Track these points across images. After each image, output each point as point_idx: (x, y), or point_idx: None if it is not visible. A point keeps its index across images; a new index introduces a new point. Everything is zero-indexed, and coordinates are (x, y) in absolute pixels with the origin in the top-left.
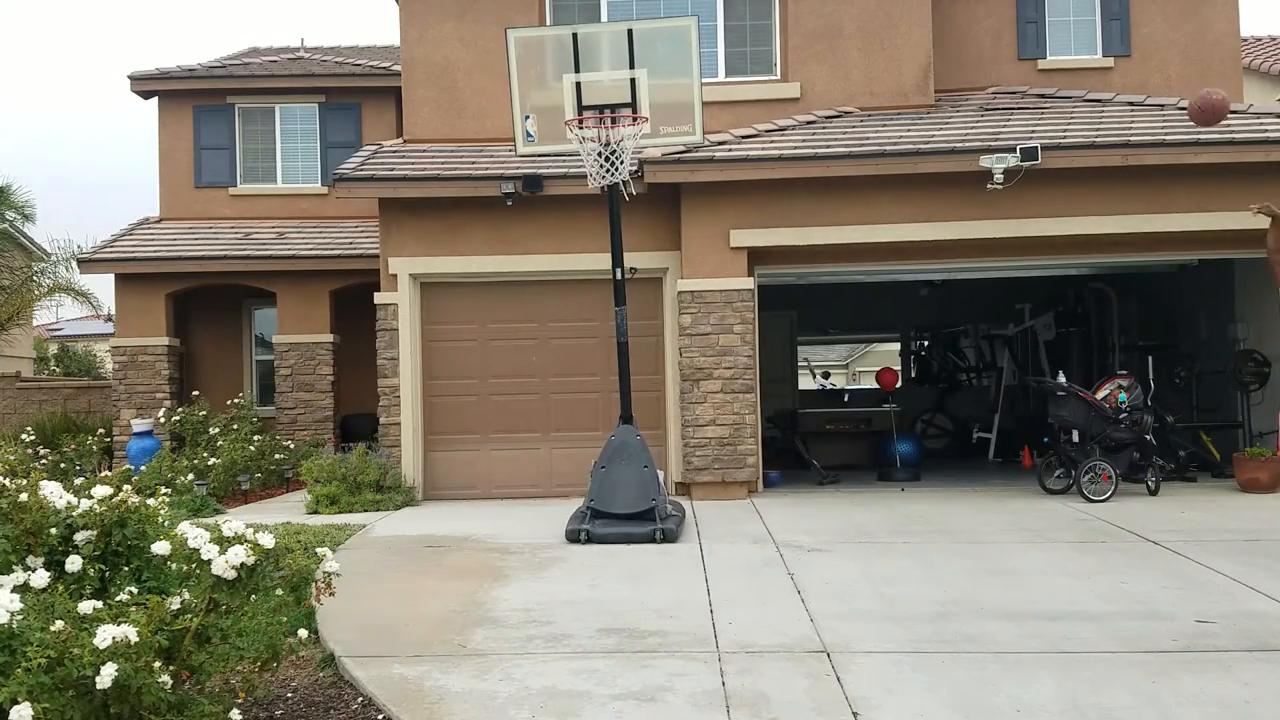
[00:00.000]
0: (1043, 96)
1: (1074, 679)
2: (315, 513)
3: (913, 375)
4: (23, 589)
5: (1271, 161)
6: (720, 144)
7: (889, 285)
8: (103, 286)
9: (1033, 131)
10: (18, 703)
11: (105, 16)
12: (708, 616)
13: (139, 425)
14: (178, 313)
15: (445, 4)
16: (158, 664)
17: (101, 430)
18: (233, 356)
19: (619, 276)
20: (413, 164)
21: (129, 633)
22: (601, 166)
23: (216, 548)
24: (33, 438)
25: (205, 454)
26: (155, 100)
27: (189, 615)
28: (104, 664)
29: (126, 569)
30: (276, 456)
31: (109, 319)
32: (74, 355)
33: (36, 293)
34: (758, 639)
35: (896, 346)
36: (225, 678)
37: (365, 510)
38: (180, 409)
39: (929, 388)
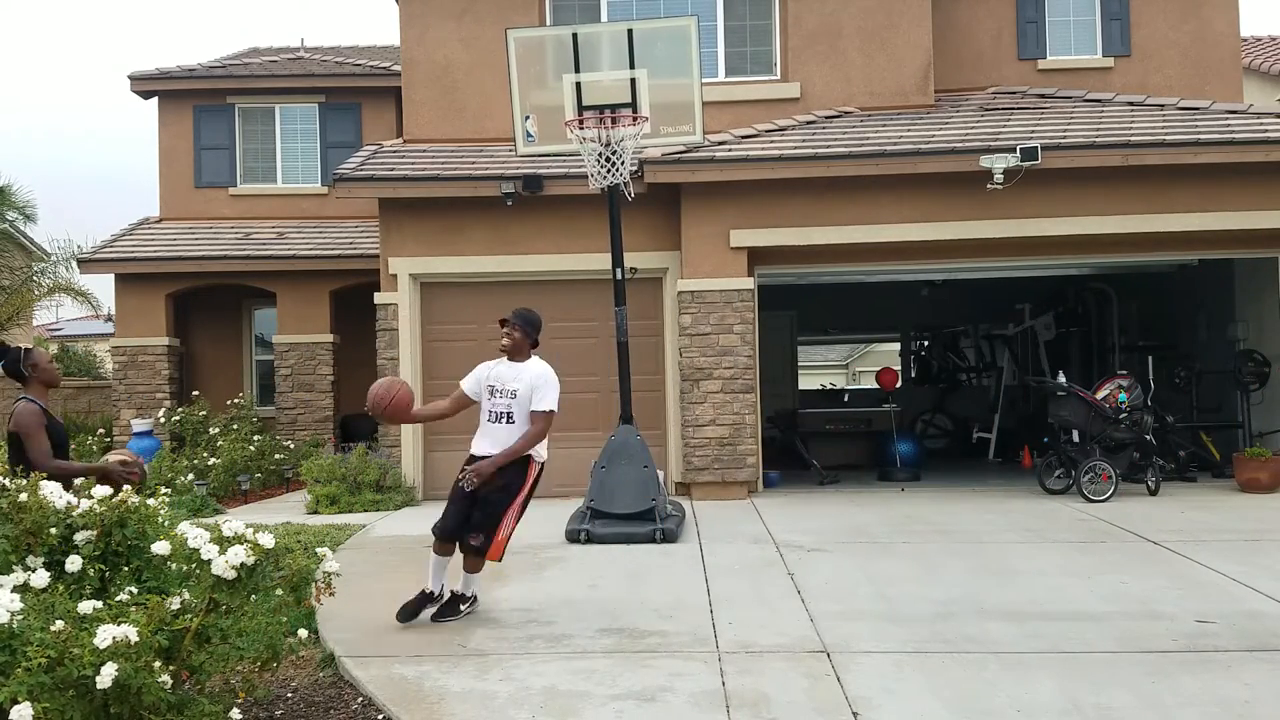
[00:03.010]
0: (1043, 96)
1: (1074, 679)
2: (315, 513)
3: (913, 375)
4: (23, 589)
5: (1271, 161)
6: (720, 144)
7: (889, 285)
8: (103, 286)
9: (1033, 131)
10: (18, 702)
11: (105, 16)
12: (708, 616)
13: (139, 425)
14: (178, 313)
15: (445, 4)
16: (158, 664)
17: (101, 430)
18: (233, 356)
19: (619, 276)
20: (413, 164)
21: (129, 633)
22: (602, 167)
23: (216, 548)
24: None
25: (205, 454)
26: (155, 100)
27: (189, 615)
28: (104, 664)
29: (126, 569)
30: (276, 456)
31: (109, 319)
32: (74, 355)
33: (36, 293)
34: (758, 639)
35: (896, 346)
36: (225, 678)
37: (365, 510)
38: (180, 409)
39: (929, 388)
